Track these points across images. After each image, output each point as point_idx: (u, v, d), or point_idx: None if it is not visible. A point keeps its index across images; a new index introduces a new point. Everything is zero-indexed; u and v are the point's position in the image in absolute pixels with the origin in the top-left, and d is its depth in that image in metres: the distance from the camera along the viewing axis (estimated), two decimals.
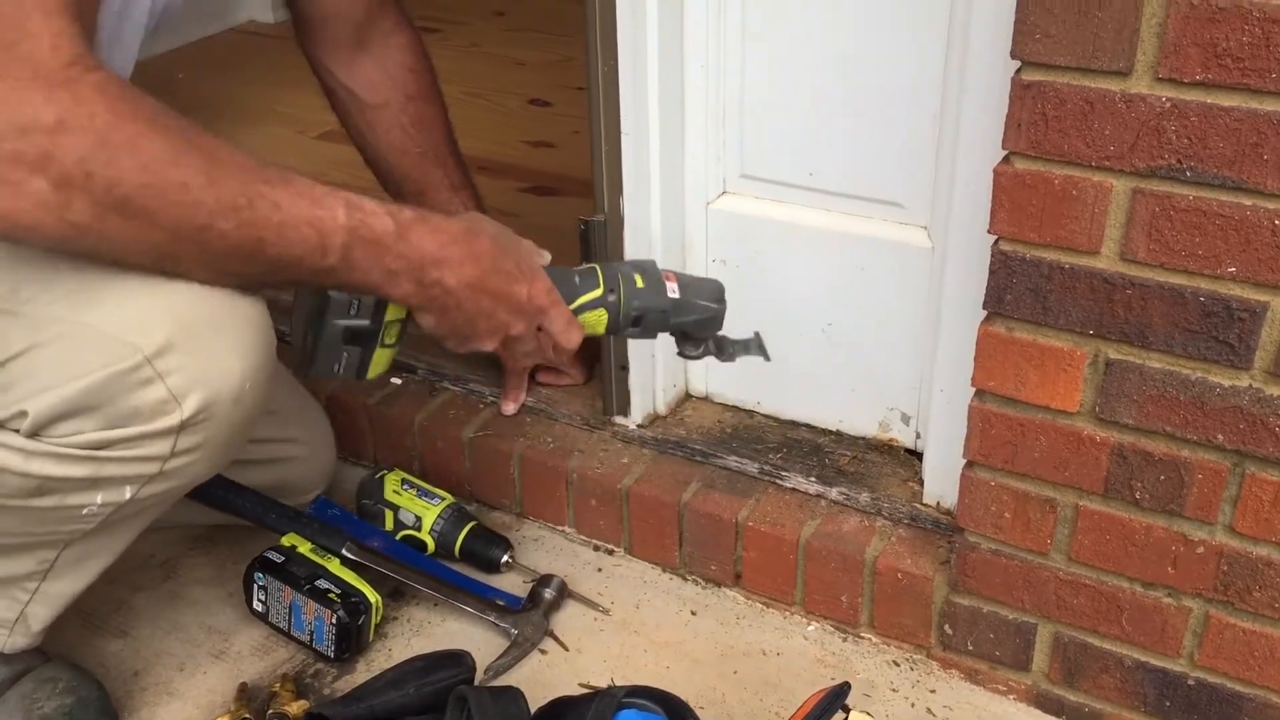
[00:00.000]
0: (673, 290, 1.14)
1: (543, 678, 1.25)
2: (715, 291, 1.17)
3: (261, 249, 0.92)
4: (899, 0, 1.17)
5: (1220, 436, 1.02)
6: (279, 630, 1.29)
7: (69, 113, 0.83)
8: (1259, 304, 0.96)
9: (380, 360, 1.10)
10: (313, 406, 1.45)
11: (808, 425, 1.42)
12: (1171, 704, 1.15)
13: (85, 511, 1.00)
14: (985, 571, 1.19)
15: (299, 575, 1.26)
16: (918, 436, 1.35)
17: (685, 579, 1.39)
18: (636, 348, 1.39)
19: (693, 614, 1.34)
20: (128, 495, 0.99)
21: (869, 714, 1.01)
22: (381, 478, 1.43)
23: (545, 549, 1.43)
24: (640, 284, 1.13)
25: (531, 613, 1.31)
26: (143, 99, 0.88)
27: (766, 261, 1.36)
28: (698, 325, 1.16)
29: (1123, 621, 1.14)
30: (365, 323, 1.05)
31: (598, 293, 1.12)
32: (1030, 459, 1.11)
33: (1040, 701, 1.23)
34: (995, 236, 1.04)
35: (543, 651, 1.29)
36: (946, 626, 1.25)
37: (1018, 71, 0.98)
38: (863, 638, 1.30)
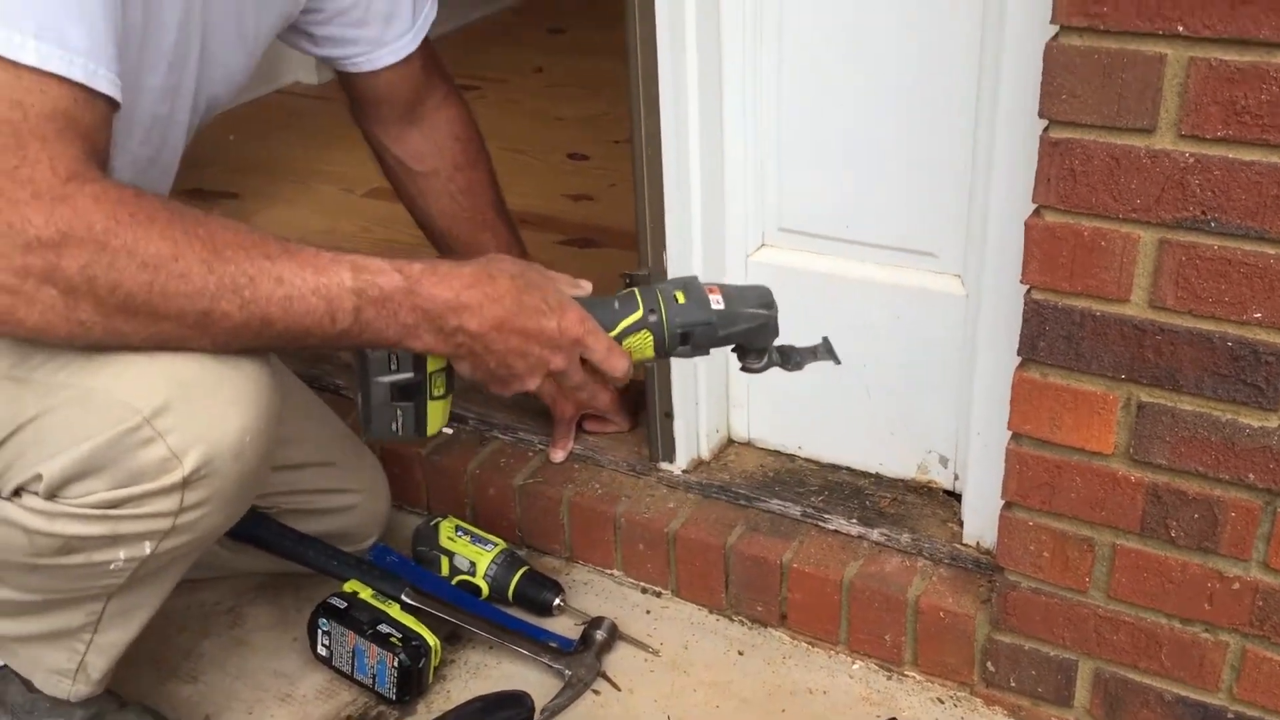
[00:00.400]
0: (717, 302, 1.12)
1: (596, 717, 1.29)
2: (762, 297, 1.14)
3: (269, 324, 0.96)
4: (929, 62, 1.22)
5: (1251, 476, 1.05)
6: (342, 674, 1.34)
7: (69, 226, 0.89)
8: None
9: (435, 414, 1.11)
10: (368, 457, 1.50)
11: (848, 468, 1.46)
12: None
13: (113, 567, 1.05)
14: (1026, 609, 1.23)
15: (361, 620, 1.32)
16: (956, 478, 1.39)
17: (732, 620, 1.42)
18: (681, 394, 1.43)
19: (740, 654, 1.38)
20: (148, 550, 1.04)
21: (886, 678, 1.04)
22: (436, 525, 1.48)
23: (595, 592, 1.47)
24: (682, 300, 1.11)
25: (584, 654, 1.35)
26: (140, 200, 0.92)
27: (806, 311, 1.39)
28: (749, 335, 1.13)
29: (1162, 657, 1.17)
30: (409, 375, 1.07)
31: (638, 314, 1.10)
32: (1067, 499, 1.15)
33: None
34: (1028, 286, 1.09)
35: (595, 692, 1.33)
36: (989, 664, 1.28)
37: (1046, 129, 1.03)
38: (907, 676, 1.34)
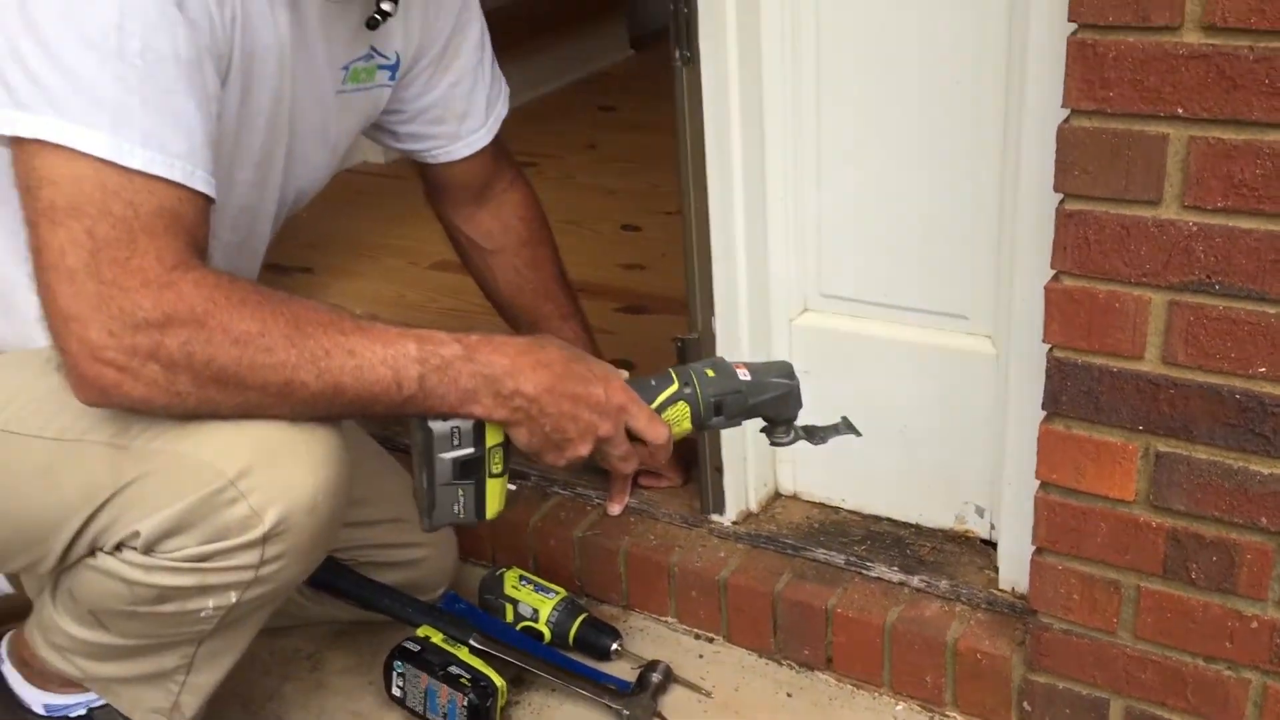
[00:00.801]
0: (744, 374, 1.22)
1: None
2: (785, 369, 1.25)
3: (342, 392, 1.06)
4: (958, 144, 1.32)
5: (1264, 519, 1.12)
6: (415, 714, 1.44)
7: (173, 308, 1.00)
8: None
9: (494, 493, 1.18)
10: None
11: (889, 519, 1.55)
12: None
13: (203, 614, 1.14)
14: (1058, 650, 1.30)
15: (433, 662, 1.41)
16: (992, 528, 1.47)
17: (780, 664, 1.50)
18: (730, 450, 1.53)
19: (788, 695, 1.46)
20: (233, 599, 1.13)
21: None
22: (501, 575, 1.58)
23: (650, 638, 1.56)
24: (712, 374, 1.21)
25: (640, 695, 1.43)
26: (234, 284, 1.04)
27: (847, 371, 1.50)
28: (776, 404, 1.23)
29: (1188, 695, 1.23)
30: (470, 450, 1.14)
31: (674, 388, 1.20)
32: (1093, 544, 1.22)
33: None
34: (1050, 345, 1.18)
35: None
36: (1025, 704, 1.35)
37: (1061, 202, 1.12)
38: (948, 716, 1.41)
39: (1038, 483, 1.24)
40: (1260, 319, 1.06)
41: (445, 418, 1.13)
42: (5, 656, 1.32)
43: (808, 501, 1.60)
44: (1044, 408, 1.20)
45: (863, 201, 1.42)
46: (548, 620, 1.52)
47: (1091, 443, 1.19)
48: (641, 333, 2.06)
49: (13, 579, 1.51)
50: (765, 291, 1.50)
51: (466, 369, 1.09)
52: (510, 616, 1.54)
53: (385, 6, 1.24)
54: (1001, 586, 1.41)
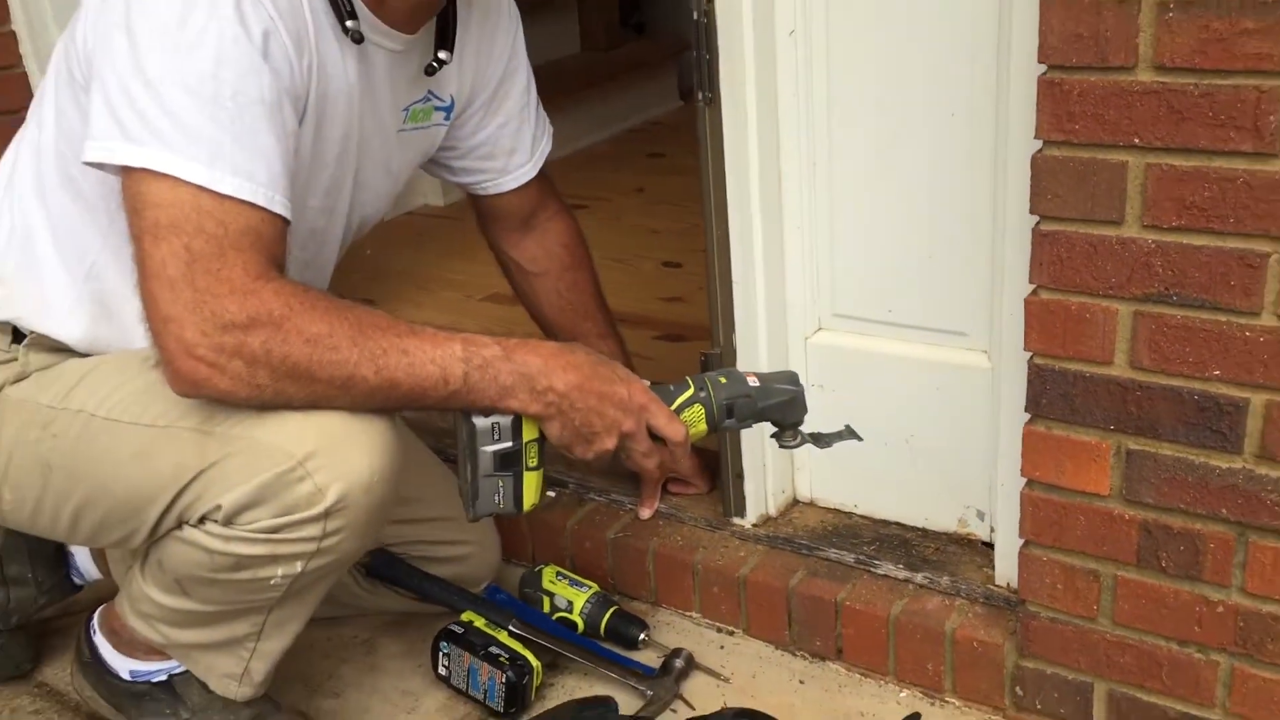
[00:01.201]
0: (753, 381, 1.36)
1: None
2: (790, 377, 1.38)
3: (396, 385, 1.21)
4: (954, 171, 1.46)
5: (1224, 510, 1.24)
6: (459, 691, 1.58)
7: (255, 312, 1.15)
8: (1242, 400, 1.19)
9: (530, 486, 1.32)
10: None
11: (898, 523, 1.67)
12: None
13: (272, 582, 1.28)
14: (1045, 637, 1.41)
15: (475, 643, 1.55)
16: (991, 530, 1.59)
17: (794, 654, 1.62)
18: (750, 458, 1.66)
19: (801, 683, 1.58)
20: (299, 569, 1.27)
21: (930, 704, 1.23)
22: (540, 571, 1.72)
23: (675, 630, 1.69)
24: (724, 381, 1.35)
25: (664, 679, 1.56)
26: (307, 293, 1.19)
27: (857, 385, 1.64)
28: (782, 408, 1.37)
29: (1163, 677, 1.34)
30: (509, 445, 1.27)
31: (690, 392, 1.34)
32: (1074, 536, 1.34)
33: None
34: (1030, 353, 1.31)
35: (673, 711, 1.53)
36: (1017, 688, 1.46)
37: (1037, 224, 1.25)
38: (947, 702, 1.52)
39: (1024, 480, 1.36)
40: (1214, 326, 1.18)
41: (486, 413, 1.27)
42: (97, 628, 1.48)
43: (823, 507, 1.73)
44: (1027, 410, 1.33)
45: (870, 229, 1.56)
46: (581, 611, 1.66)
47: (1069, 442, 1.31)
48: (679, 359, 2.18)
49: (101, 565, 1.68)
50: (782, 311, 1.64)
51: (505, 367, 1.24)
52: (547, 607, 1.68)
53: (441, 56, 1.42)
54: (998, 583, 1.52)
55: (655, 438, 1.32)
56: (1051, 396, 1.30)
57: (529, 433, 1.29)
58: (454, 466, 1.72)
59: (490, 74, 1.56)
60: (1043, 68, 1.20)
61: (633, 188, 3.43)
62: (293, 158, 1.25)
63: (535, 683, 1.54)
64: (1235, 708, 1.30)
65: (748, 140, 1.52)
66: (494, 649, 1.54)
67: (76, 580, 1.70)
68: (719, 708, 1.50)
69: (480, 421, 1.27)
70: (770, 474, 1.69)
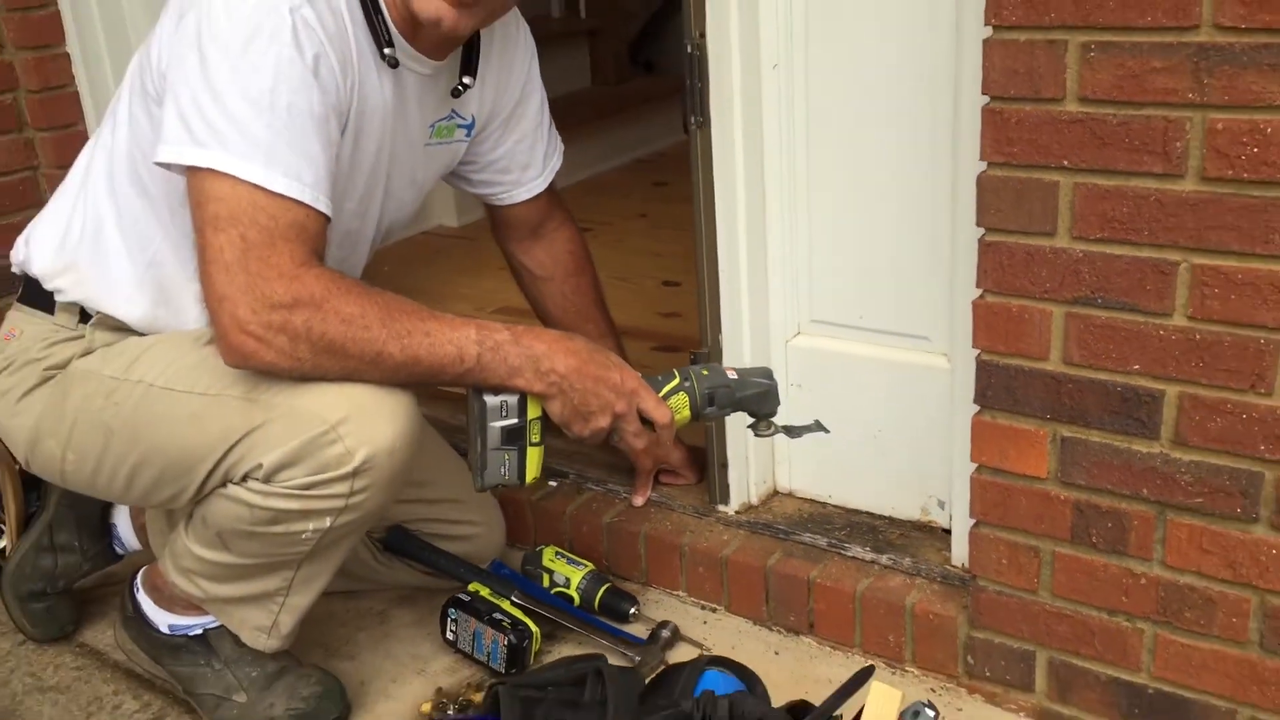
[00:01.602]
0: (732, 374, 1.54)
1: None
2: (765, 372, 1.55)
3: (418, 362, 1.38)
4: (914, 197, 1.63)
5: (1145, 490, 1.40)
6: (464, 654, 1.74)
7: (299, 294, 1.32)
8: (1158, 391, 1.36)
9: (532, 460, 1.48)
10: (490, 499, 1.92)
11: (867, 512, 1.83)
12: (1139, 711, 1.49)
13: (304, 536, 1.44)
14: (993, 609, 1.56)
15: (481, 610, 1.71)
16: (950, 518, 1.74)
17: (771, 629, 1.78)
18: (734, 450, 1.83)
19: (776, 654, 1.73)
20: (328, 524, 1.43)
21: (889, 686, 1.38)
22: (540, 550, 1.88)
23: (663, 607, 1.85)
24: (706, 373, 1.53)
25: (651, 647, 1.72)
26: (344, 280, 1.36)
27: (832, 384, 1.80)
28: (758, 399, 1.54)
29: (1095, 644, 1.49)
30: (515, 421, 1.44)
31: (675, 382, 1.50)
32: (1016, 515, 1.50)
33: (1043, 717, 1.57)
34: (978, 350, 1.47)
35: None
36: (969, 657, 1.61)
37: (983, 235, 1.42)
38: (908, 670, 1.67)
39: (974, 466, 1.52)
40: (1133, 326, 1.35)
41: (496, 392, 1.44)
42: (140, 586, 1.65)
43: (800, 497, 1.89)
44: (975, 401, 1.49)
45: (844, 242, 1.73)
46: (577, 587, 1.82)
47: (1012, 430, 1.47)
48: (675, 366, 2.36)
49: (141, 537, 1.85)
50: (765, 316, 1.81)
51: (514, 350, 1.41)
52: (546, 583, 1.84)
53: (466, 80, 1.60)
54: (954, 564, 1.68)
55: (645, 422, 1.49)
56: (996, 389, 1.47)
57: (533, 411, 1.46)
58: (465, 455, 1.89)
59: (508, 97, 1.74)
60: (986, 99, 1.37)
61: (637, 213, 3.61)
62: (334, 165, 1.43)
63: (534, 647, 1.70)
64: (1159, 671, 1.46)
65: (735, 161, 1.70)
66: (497, 615, 1.70)
67: (118, 550, 1.86)
68: None
69: (490, 399, 1.44)
70: (752, 466, 1.86)
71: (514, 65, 1.72)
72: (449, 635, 1.75)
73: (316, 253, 1.38)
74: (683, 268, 3.03)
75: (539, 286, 1.91)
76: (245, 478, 1.41)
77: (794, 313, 1.82)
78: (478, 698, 1.59)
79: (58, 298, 1.55)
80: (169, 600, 1.61)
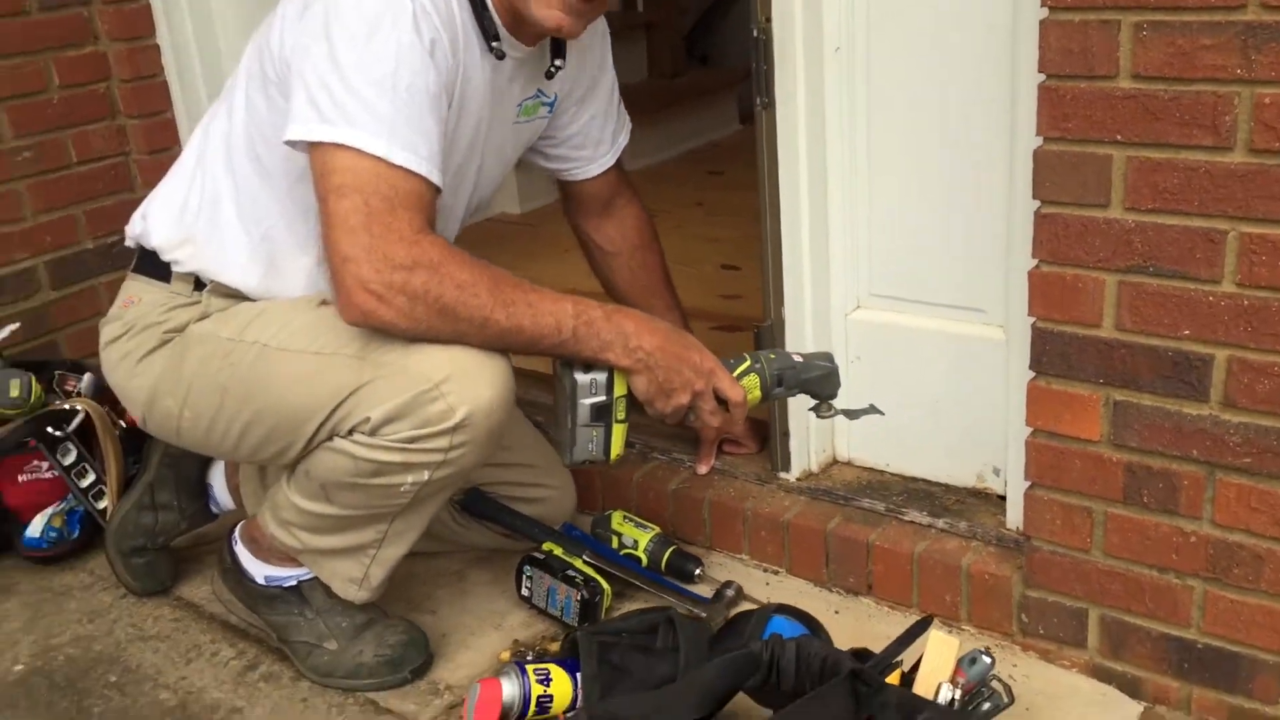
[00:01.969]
0: (797, 357, 1.65)
1: None
2: (827, 356, 1.67)
3: (521, 331, 1.47)
4: (974, 166, 1.70)
5: (1195, 451, 1.46)
6: (539, 610, 1.83)
7: (417, 258, 1.42)
8: (1208, 355, 1.42)
9: (617, 437, 1.58)
10: (562, 467, 2.01)
11: (924, 480, 1.90)
12: (1189, 665, 1.55)
13: (402, 489, 1.54)
14: (1047, 568, 1.63)
15: (555, 567, 1.80)
16: (1005, 483, 1.81)
17: (831, 590, 1.86)
18: (795, 421, 1.90)
19: (836, 613, 1.81)
20: (426, 477, 1.52)
21: (946, 634, 1.45)
22: (609, 515, 1.97)
23: (727, 570, 1.93)
24: (773, 356, 1.63)
25: (717, 605, 1.80)
26: (456, 249, 1.46)
27: (890, 357, 1.87)
28: (820, 381, 1.64)
29: (1147, 600, 1.56)
30: (602, 398, 1.55)
31: (747, 364, 1.61)
32: (1070, 477, 1.56)
33: (1096, 673, 1.63)
34: (1033, 318, 1.54)
35: None
36: (1023, 616, 1.68)
37: (1038, 208, 1.49)
38: (964, 629, 1.74)
39: (1029, 431, 1.59)
40: (1183, 293, 1.41)
41: (586, 369, 1.53)
42: (238, 538, 1.76)
43: (859, 466, 1.96)
44: (1031, 368, 1.56)
45: (903, 218, 1.80)
46: (645, 548, 1.91)
47: (1066, 395, 1.54)
48: (735, 347, 2.41)
49: (235, 497, 1.96)
50: (826, 291, 1.88)
51: (606, 326, 1.51)
52: (615, 545, 1.93)
53: (558, 63, 1.70)
54: (1008, 527, 1.75)
55: (719, 401, 1.58)
56: (1051, 356, 1.53)
57: (618, 389, 1.55)
58: (548, 434, 1.97)
59: (585, 76, 1.83)
60: (1042, 77, 1.44)
61: (694, 202, 3.69)
62: (444, 140, 1.52)
63: (605, 603, 1.79)
64: (1208, 626, 1.52)
65: (798, 141, 1.77)
66: (571, 572, 1.79)
67: (213, 509, 1.98)
68: None
69: (581, 377, 1.53)
70: (813, 435, 1.93)
71: (591, 47, 1.81)
72: (524, 591, 1.84)
73: (430, 222, 1.48)
74: (741, 252, 3.12)
75: (609, 262, 2.00)
76: (352, 431, 1.51)
77: (854, 287, 1.89)
78: (554, 647, 1.68)
79: (175, 268, 1.66)
80: (266, 552, 1.71)
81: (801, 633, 1.50)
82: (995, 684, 1.41)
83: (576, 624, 1.77)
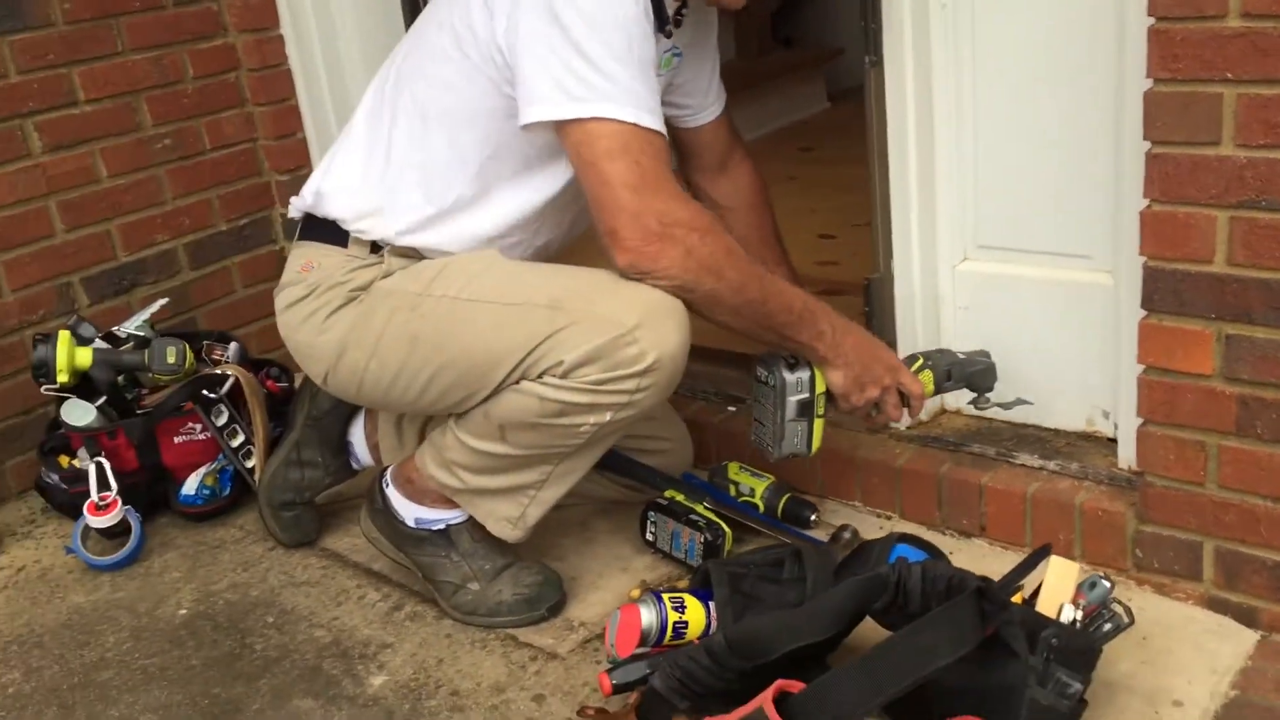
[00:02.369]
0: (961, 355, 1.81)
1: None
2: (985, 353, 1.85)
3: (765, 302, 1.62)
4: (1080, 115, 1.75)
5: None
6: (663, 553, 1.92)
7: (693, 217, 1.57)
8: None
9: (817, 431, 1.75)
10: (679, 420, 2.10)
11: (1033, 425, 1.95)
12: None
13: (581, 429, 1.63)
14: (1160, 503, 1.68)
15: (678, 512, 1.89)
16: (1115, 427, 1.85)
17: (944, 533, 1.92)
18: None
19: (950, 554, 1.84)
20: (608, 418, 1.62)
21: (1066, 560, 1.51)
22: (725, 465, 2.05)
23: (841, 516, 2.00)
24: (939, 354, 1.82)
25: (834, 546, 1.87)
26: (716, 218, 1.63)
27: (998, 306, 1.93)
28: (981, 375, 1.82)
29: (1262, 530, 1.59)
30: (807, 396, 1.70)
31: (920, 361, 1.80)
32: (1183, 412, 1.61)
33: (1211, 604, 1.67)
34: (1145, 257, 1.58)
35: None
36: (1137, 550, 1.72)
37: (1149, 148, 1.54)
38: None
39: (1140, 368, 1.64)
40: None
41: (791, 369, 1.69)
42: (391, 480, 1.86)
43: (967, 414, 2.02)
44: (1143, 306, 1.61)
45: (1009, 169, 1.86)
46: (762, 496, 1.99)
47: (1179, 331, 1.58)
48: (836, 309, 2.51)
49: (374, 454, 2.08)
50: (933, 243, 1.94)
51: (824, 318, 1.68)
52: (733, 493, 2.01)
53: (684, 11, 1.81)
54: (1120, 466, 1.79)
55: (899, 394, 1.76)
56: (1163, 293, 1.58)
57: (819, 387, 1.72)
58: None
59: (702, 29, 1.93)
60: (1152, 20, 1.48)
61: (787, 176, 3.75)
62: None
63: (727, 546, 1.87)
64: None
65: (906, 96, 1.84)
66: (693, 516, 1.88)
67: (354, 465, 2.10)
68: None
69: (789, 375, 1.70)
70: None
71: (707, 10, 1.90)
72: (648, 536, 1.93)
73: None
74: (835, 221, 3.18)
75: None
76: (542, 375, 1.60)
77: (961, 239, 1.95)
78: (681, 584, 1.77)
79: (355, 235, 1.76)
80: (420, 494, 1.81)
81: (925, 559, 1.56)
82: (1116, 606, 1.47)
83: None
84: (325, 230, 1.78)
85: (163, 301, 2.34)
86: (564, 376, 1.59)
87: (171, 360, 2.10)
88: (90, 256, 2.44)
